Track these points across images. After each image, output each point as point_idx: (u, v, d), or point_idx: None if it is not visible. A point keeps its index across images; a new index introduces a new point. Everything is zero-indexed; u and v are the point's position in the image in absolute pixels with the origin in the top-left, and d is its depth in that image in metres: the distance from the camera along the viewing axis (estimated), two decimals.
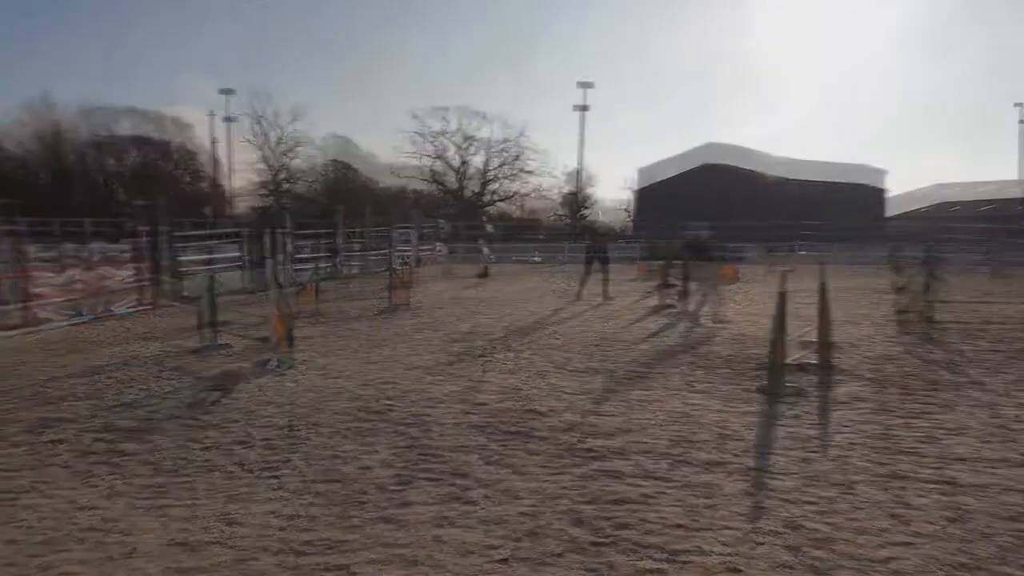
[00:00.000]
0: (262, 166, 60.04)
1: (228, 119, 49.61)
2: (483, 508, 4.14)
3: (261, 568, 3.38)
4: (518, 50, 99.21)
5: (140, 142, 59.44)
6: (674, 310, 13.91)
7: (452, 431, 5.78)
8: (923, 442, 5.43)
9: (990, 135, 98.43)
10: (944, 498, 4.27)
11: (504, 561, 3.45)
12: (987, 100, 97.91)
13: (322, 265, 25.32)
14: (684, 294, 14.06)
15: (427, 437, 5.60)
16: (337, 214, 27.19)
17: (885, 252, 34.65)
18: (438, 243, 38.75)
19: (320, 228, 27.66)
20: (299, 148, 58.82)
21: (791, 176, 52.36)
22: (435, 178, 60.10)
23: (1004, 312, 14.42)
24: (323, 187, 60.16)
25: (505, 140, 58.83)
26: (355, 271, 27.67)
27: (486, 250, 32.93)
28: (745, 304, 16.03)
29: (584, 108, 47.55)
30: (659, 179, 58.34)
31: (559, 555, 3.52)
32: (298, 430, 5.81)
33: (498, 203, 61.63)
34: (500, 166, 59.90)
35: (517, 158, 59.25)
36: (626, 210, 65.56)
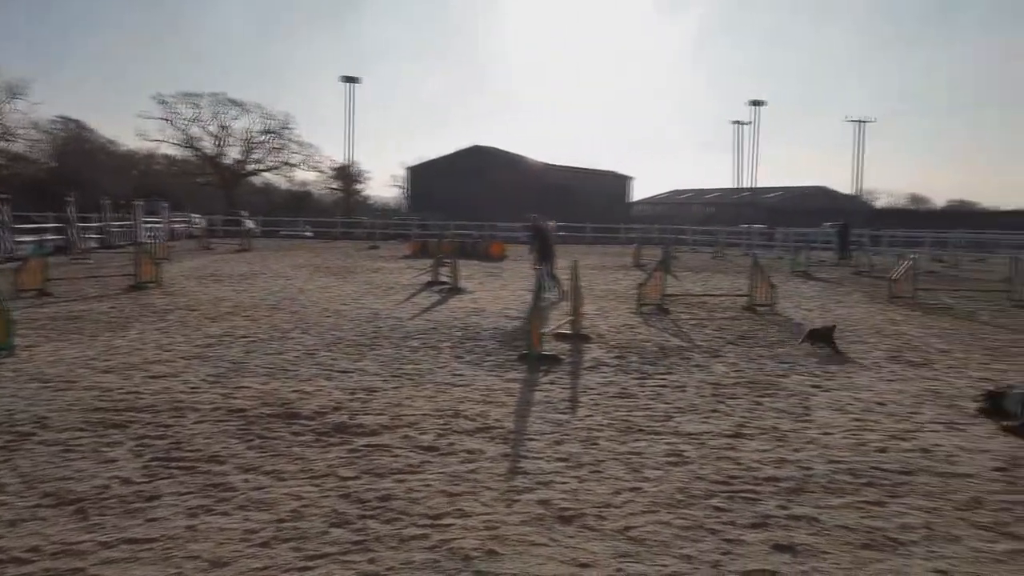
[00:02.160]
0: None
1: None
2: (243, 494, 3.97)
3: None
4: (286, 39, 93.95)
5: None
6: (445, 286, 14.30)
7: (211, 416, 5.43)
8: (652, 399, 6.27)
9: (719, 148, 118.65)
10: (668, 446, 4.99)
11: (265, 544, 3.36)
12: (717, 118, 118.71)
13: (50, 238, 21.95)
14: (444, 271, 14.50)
15: (180, 425, 5.19)
16: (71, 180, 23.72)
17: (631, 233, 38.89)
18: (194, 215, 35.53)
19: (49, 195, 23.92)
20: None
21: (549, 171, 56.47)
22: (191, 143, 54.34)
23: (720, 286, 16.96)
24: (51, 147, 51.35)
25: (267, 132, 54.82)
26: (94, 245, 24.38)
27: (250, 223, 30.84)
28: (511, 280, 16.98)
29: (353, 79, 46.34)
30: (432, 158, 59.40)
31: (324, 532, 3.52)
32: (20, 425, 5.05)
33: (263, 173, 57.55)
34: (261, 158, 55.77)
35: (281, 150, 55.66)
36: (400, 186, 65.50)
